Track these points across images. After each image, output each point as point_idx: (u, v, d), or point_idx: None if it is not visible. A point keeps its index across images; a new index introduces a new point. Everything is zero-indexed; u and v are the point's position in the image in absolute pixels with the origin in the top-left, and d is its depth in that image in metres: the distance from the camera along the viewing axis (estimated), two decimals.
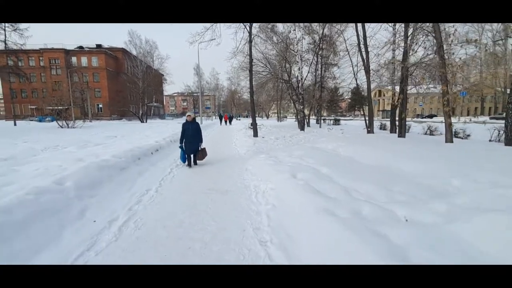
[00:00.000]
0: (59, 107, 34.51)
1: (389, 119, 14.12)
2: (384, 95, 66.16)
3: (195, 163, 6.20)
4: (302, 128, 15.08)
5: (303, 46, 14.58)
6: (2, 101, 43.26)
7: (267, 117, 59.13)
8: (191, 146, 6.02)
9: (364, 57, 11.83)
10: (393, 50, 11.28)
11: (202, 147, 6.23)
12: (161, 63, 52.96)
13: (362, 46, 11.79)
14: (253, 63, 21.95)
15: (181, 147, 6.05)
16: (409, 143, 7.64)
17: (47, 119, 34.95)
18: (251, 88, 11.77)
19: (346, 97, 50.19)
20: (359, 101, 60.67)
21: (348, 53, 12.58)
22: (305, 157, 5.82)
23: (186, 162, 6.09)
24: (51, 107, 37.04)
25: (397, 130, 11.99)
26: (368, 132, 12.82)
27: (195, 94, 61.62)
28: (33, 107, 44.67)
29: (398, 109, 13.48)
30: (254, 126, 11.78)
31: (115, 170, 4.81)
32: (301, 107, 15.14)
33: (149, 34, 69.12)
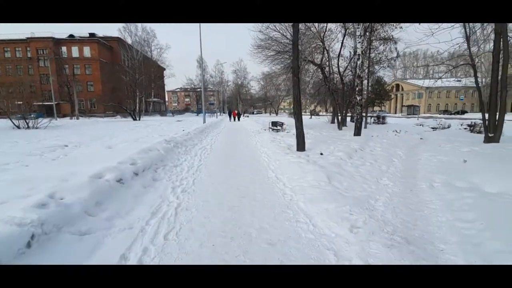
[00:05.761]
0: (45, 103, 29.92)
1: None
2: (402, 90, 58.57)
3: None
4: (358, 132, 9.65)
5: None
6: None
7: (276, 114, 53.69)
8: None
9: None
10: None
11: None
12: (160, 54, 47.98)
13: None
14: (266, 43, 16.36)
15: None
16: None
17: (31, 116, 30.12)
18: (294, 60, 6.31)
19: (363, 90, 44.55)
20: (379, 94, 55.11)
21: None
22: None
23: None
24: (39, 103, 32.30)
25: None
26: (490, 139, 7.39)
27: (198, 90, 56.43)
28: (20, 102, 39.62)
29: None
30: (299, 133, 6.35)
31: None
32: (358, 98, 9.65)
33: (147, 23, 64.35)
